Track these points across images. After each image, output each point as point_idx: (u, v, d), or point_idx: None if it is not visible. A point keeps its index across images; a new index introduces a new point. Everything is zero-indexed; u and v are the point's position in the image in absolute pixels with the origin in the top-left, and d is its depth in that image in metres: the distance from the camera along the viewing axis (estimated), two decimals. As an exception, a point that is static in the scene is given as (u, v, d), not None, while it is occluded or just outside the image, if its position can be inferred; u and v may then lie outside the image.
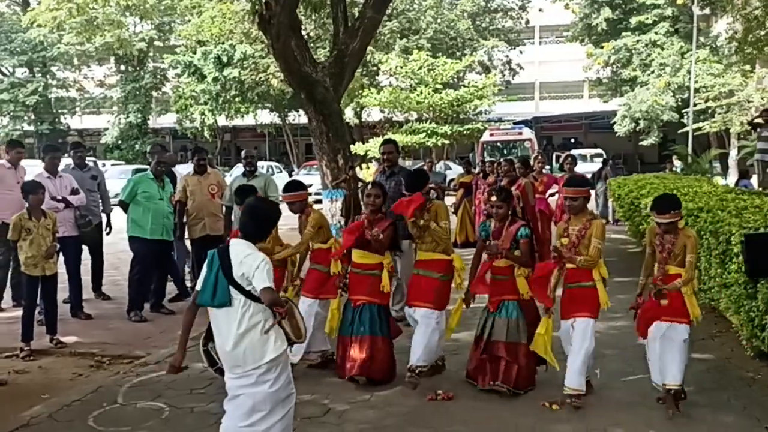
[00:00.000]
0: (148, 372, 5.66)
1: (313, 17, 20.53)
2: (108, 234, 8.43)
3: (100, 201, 8.31)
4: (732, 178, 22.77)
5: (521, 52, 39.70)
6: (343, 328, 5.37)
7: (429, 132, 26.93)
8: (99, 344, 6.67)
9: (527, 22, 40.02)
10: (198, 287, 3.64)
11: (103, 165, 24.54)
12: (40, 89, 37.99)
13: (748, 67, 25.27)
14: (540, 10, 38.21)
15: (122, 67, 39.35)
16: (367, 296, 5.28)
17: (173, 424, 4.65)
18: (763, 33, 18.57)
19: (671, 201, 4.66)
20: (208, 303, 3.53)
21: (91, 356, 6.35)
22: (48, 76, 39.44)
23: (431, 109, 27.78)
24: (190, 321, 3.66)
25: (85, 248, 7.98)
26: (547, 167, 12.05)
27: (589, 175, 26.18)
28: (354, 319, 5.28)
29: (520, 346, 4.94)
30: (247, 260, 3.44)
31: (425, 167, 14.31)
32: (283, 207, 4.78)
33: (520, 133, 25.46)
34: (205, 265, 3.61)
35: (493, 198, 5.04)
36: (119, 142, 38.94)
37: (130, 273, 7.74)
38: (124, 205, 7.74)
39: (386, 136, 26.94)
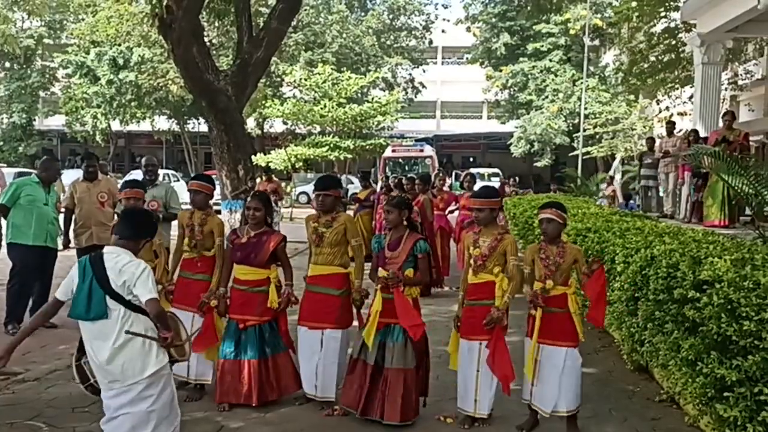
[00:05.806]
0: (26, 389, 5.29)
1: (217, 24, 20.16)
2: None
3: None
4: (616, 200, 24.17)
5: (424, 71, 40.77)
6: (224, 351, 4.93)
7: (332, 146, 26.98)
8: (-30, 359, 6.16)
9: (431, 42, 41.15)
10: (60, 295, 3.39)
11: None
12: None
13: (632, 97, 27.00)
14: (443, 31, 39.45)
15: (7, 64, 37.22)
16: (256, 316, 4.92)
17: (52, 445, 4.37)
18: (646, 66, 19.98)
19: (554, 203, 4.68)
20: (82, 316, 3.26)
21: (-39, 372, 5.86)
22: None
23: (335, 122, 27.86)
24: (39, 324, 3.61)
25: None
26: (448, 183, 12.32)
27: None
28: (240, 342, 4.92)
29: (408, 372, 4.62)
30: (128, 268, 3.25)
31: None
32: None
33: (422, 150, 25.99)
34: (75, 274, 3.34)
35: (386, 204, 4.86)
36: (1, 143, 36.73)
37: (8, 282, 7.20)
38: (3, 210, 7.22)
39: (289, 148, 26.83)
